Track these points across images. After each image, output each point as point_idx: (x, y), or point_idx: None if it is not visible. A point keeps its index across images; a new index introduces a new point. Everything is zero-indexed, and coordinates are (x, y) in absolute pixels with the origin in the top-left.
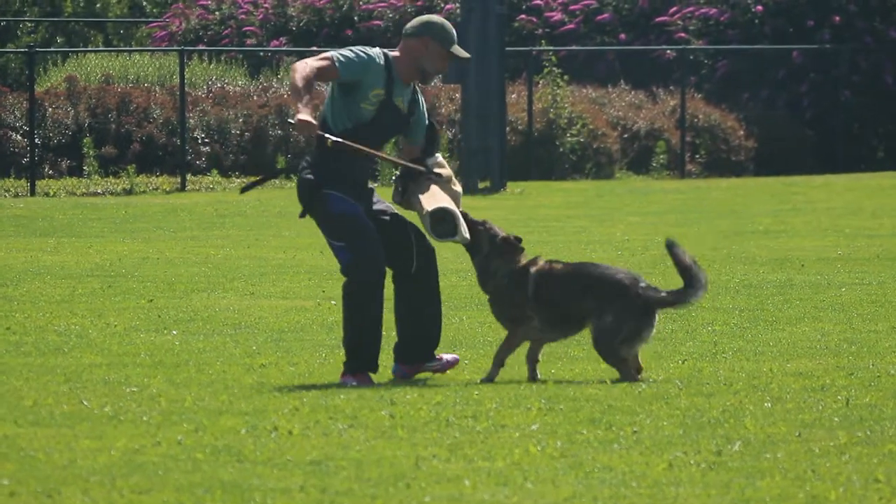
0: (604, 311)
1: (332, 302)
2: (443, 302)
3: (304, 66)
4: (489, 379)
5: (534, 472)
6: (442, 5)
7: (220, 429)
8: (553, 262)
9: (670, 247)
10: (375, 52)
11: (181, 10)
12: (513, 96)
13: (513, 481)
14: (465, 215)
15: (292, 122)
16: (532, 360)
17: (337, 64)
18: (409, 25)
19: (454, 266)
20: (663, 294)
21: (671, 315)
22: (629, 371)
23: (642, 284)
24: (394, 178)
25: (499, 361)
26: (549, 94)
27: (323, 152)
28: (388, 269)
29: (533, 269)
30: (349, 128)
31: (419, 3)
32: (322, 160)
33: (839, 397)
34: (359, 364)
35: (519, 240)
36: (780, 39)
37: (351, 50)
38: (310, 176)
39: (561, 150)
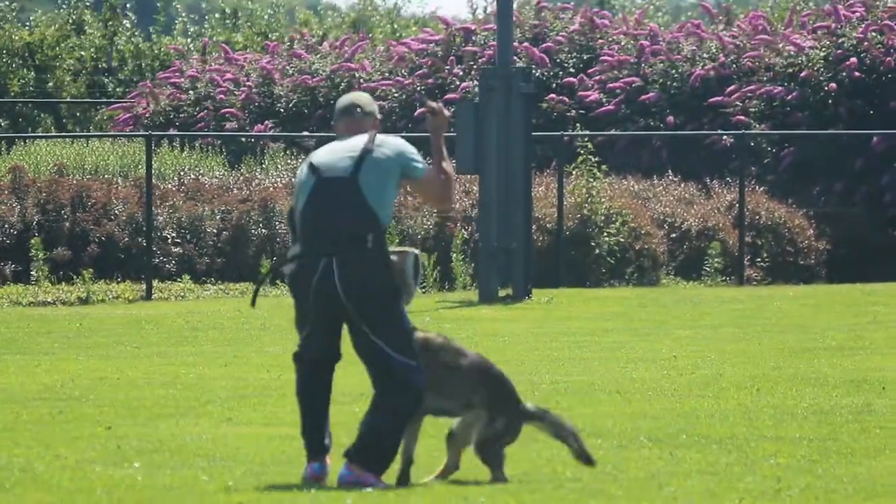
0: (497, 412)
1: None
2: None
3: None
4: (402, 481)
5: None
6: (457, 83)
7: None
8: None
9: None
10: None
11: (149, 89)
12: (540, 189)
13: None
14: None
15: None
16: (407, 459)
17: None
18: (369, 104)
19: None
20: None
21: (727, 446)
22: (504, 474)
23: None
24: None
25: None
26: (584, 187)
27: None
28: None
29: (419, 335)
30: (389, 221)
31: (430, 81)
32: (390, 259)
33: None
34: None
35: None
36: (858, 123)
37: (415, 151)
38: (392, 279)
39: (597, 251)
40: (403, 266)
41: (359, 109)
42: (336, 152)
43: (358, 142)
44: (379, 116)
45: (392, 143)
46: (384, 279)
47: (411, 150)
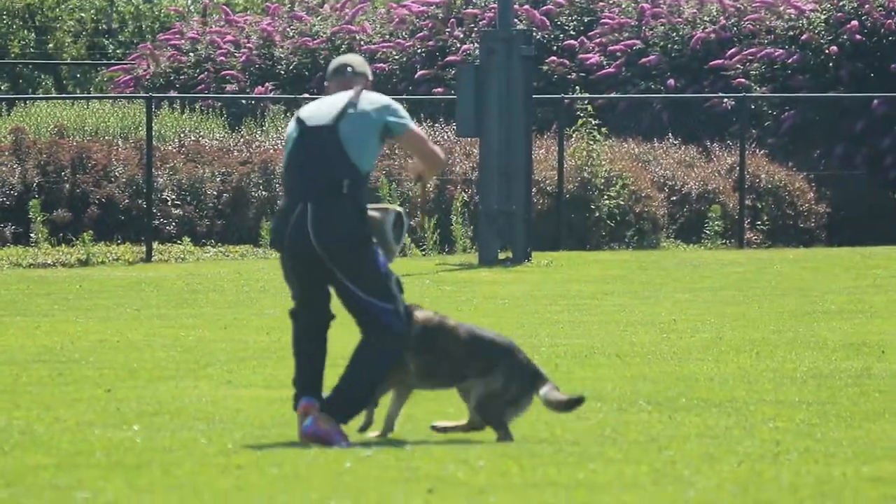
0: (492, 372)
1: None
2: None
3: (439, 149)
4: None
5: None
6: (458, 45)
7: None
8: (442, 316)
9: None
10: None
11: (149, 50)
12: (541, 152)
13: None
14: None
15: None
16: (390, 421)
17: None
18: (361, 65)
19: None
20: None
21: (726, 409)
22: (509, 433)
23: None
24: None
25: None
26: (584, 150)
27: (364, 203)
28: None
29: (419, 317)
30: (370, 169)
31: (430, 43)
32: (365, 209)
33: None
34: (346, 420)
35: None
36: (859, 86)
37: (401, 109)
38: (364, 227)
39: (597, 214)
40: (384, 222)
41: (350, 69)
42: (321, 105)
43: (344, 96)
44: (371, 78)
45: (377, 99)
46: (355, 226)
47: (396, 107)
